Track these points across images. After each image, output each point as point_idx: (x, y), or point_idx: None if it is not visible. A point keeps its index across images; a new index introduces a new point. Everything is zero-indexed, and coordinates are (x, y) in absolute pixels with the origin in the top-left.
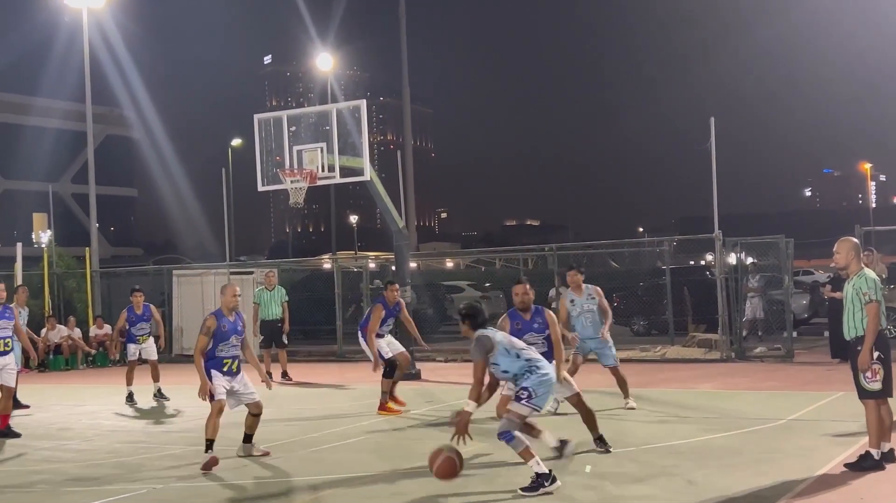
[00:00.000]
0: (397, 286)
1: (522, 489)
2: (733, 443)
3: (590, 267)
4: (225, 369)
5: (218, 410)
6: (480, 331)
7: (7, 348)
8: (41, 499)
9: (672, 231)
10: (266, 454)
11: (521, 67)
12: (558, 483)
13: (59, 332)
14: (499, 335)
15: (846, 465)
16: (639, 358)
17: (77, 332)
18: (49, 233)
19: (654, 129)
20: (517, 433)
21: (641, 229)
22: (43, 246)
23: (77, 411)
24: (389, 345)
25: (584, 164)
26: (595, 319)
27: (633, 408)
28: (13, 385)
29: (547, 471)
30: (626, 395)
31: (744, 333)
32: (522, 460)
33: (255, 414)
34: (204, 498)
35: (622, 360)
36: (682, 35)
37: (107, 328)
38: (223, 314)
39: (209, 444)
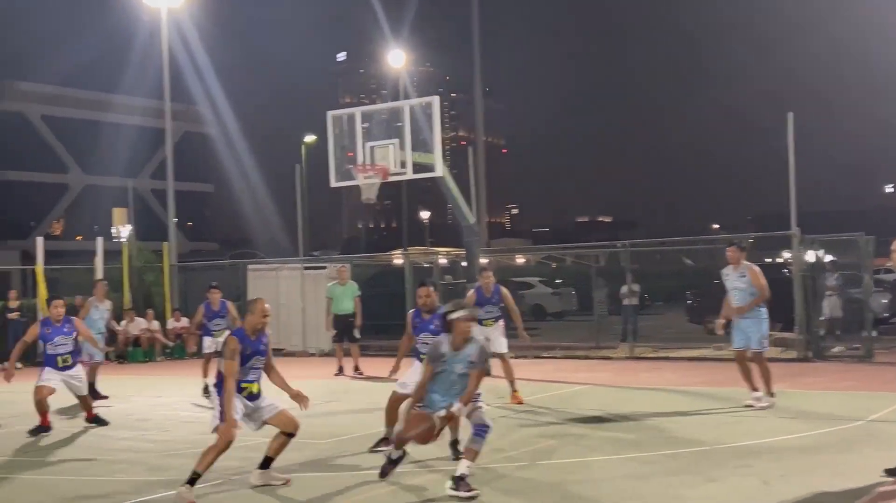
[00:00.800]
0: (490, 272)
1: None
2: (810, 443)
3: (663, 264)
4: (245, 394)
5: (226, 443)
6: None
7: (66, 363)
8: (121, 488)
9: (748, 228)
10: (286, 483)
11: (594, 62)
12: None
13: (137, 325)
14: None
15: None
16: (713, 356)
17: (155, 325)
18: (129, 227)
19: (730, 124)
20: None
21: (716, 226)
22: (123, 240)
23: (155, 402)
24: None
25: (657, 159)
26: (743, 297)
27: (751, 406)
28: (85, 392)
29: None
30: (753, 389)
31: (821, 332)
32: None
33: (288, 433)
34: (279, 487)
35: (695, 359)
36: (757, 27)
37: (184, 321)
38: (245, 334)
39: (194, 479)
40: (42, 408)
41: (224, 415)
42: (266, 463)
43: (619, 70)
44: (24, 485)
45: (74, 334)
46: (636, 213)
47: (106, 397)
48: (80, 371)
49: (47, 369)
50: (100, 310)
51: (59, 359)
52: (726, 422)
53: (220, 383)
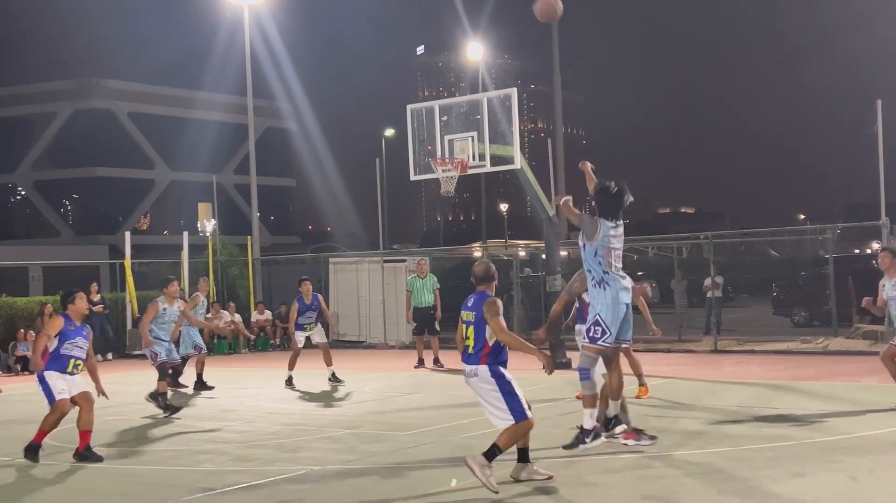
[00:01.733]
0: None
1: (564, 446)
2: None
3: (747, 255)
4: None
5: (528, 428)
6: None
7: (77, 369)
8: (206, 478)
9: (836, 218)
10: (549, 478)
11: (675, 51)
12: (602, 439)
13: (222, 318)
14: (608, 226)
15: None
16: (799, 350)
17: (237, 318)
18: (213, 222)
19: (818, 111)
20: (594, 376)
21: (803, 216)
22: (208, 234)
23: (239, 394)
24: None
25: (741, 148)
26: None
27: None
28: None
29: (591, 428)
30: None
31: None
32: (584, 404)
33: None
34: (360, 478)
35: (781, 352)
36: (840, 7)
37: (267, 314)
38: None
39: (494, 454)
40: (54, 425)
41: (520, 407)
42: (523, 455)
43: (702, 58)
44: (110, 474)
45: (88, 345)
46: (719, 204)
47: (212, 387)
48: (80, 380)
49: (55, 374)
50: (204, 305)
51: (72, 362)
52: (813, 416)
53: (507, 385)
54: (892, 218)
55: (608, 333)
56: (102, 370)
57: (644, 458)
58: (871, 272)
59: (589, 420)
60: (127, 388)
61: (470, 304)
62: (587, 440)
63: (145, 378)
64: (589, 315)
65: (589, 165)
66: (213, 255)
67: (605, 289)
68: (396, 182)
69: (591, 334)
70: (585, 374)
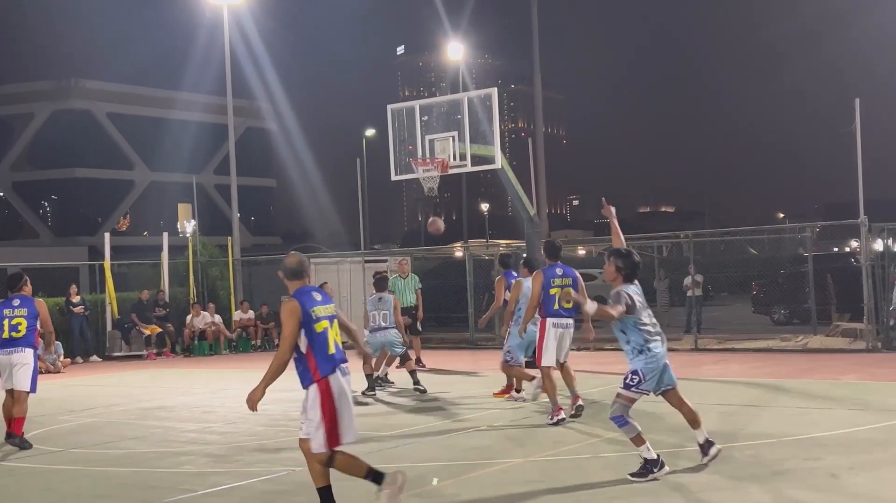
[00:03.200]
0: None
1: (631, 474)
2: (879, 435)
3: (727, 254)
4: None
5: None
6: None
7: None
8: (187, 479)
9: (815, 217)
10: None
11: (655, 50)
12: (667, 469)
13: (203, 318)
14: (639, 297)
15: None
16: (779, 348)
17: (217, 319)
18: (193, 222)
19: (796, 111)
20: (630, 419)
21: (782, 215)
22: (188, 235)
23: (221, 395)
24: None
25: (721, 147)
26: None
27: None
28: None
29: (655, 458)
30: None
31: (891, 323)
32: (633, 445)
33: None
34: (340, 482)
35: (761, 350)
36: (821, 5)
37: (251, 313)
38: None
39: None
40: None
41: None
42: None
43: (681, 58)
44: (92, 476)
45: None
46: (700, 203)
47: (392, 383)
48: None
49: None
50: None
51: None
52: (793, 414)
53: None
54: (871, 216)
55: (644, 382)
56: (86, 372)
57: (624, 456)
58: (851, 270)
59: (648, 452)
60: (108, 390)
61: (321, 299)
62: (655, 470)
63: (128, 380)
64: (629, 365)
65: (613, 210)
66: (193, 256)
67: (646, 353)
68: (377, 182)
69: (627, 380)
70: (622, 422)
